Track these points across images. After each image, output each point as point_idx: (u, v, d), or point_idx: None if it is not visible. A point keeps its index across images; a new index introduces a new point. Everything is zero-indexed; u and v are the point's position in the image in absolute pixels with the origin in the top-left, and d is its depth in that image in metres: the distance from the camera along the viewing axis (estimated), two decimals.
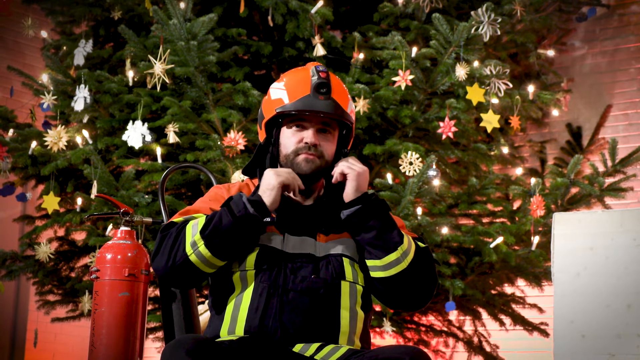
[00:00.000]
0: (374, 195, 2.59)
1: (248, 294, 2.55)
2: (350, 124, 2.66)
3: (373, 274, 2.57)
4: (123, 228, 3.13)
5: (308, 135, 2.62)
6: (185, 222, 2.57)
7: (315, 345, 2.49)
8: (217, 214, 2.52)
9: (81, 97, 4.82)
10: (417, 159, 4.61)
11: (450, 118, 4.68)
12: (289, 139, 2.64)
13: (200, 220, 2.53)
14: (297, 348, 2.48)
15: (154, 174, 4.70)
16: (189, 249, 2.51)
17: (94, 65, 5.15)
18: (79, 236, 5.12)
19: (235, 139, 4.55)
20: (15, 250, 5.15)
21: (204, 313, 3.01)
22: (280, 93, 2.62)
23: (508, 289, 5.34)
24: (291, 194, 2.63)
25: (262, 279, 2.55)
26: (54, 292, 5.20)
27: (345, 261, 2.60)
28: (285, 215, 2.63)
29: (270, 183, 2.54)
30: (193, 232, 2.52)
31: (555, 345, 2.94)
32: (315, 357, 2.47)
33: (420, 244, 2.63)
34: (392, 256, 2.54)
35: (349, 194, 2.58)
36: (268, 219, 2.56)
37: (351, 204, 2.57)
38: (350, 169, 2.59)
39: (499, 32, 4.74)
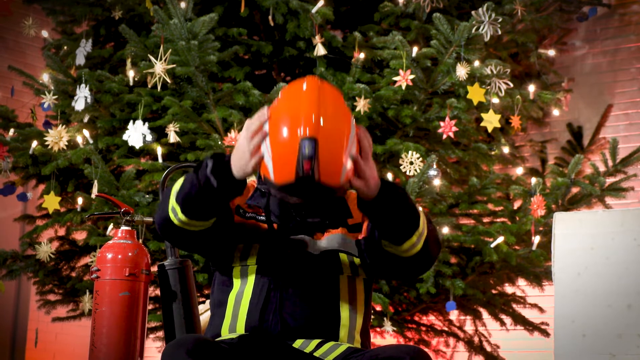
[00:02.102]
0: (389, 186, 2.42)
1: (249, 289, 2.56)
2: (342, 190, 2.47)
3: (387, 249, 2.49)
4: (124, 228, 3.13)
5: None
6: (176, 181, 2.53)
7: (315, 342, 2.50)
8: (186, 179, 2.45)
9: (82, 97, 4.82)
10: (418, 158, 4.61)
11: (451, 118, 4.68)
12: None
13: (179, 182, 2.49)
14: (297, 344, 2.49)
15: (154, 173, 4.70)
16: (171, 215, 2.49)
17: (94, 65, 5.15)
18: (80, 236, 5.12)
19: (236, 139, 4.55)
20: (15, 249, 5.15)
21: (204, 313, 3.01)
22: (267, 155, 2.34)
23: (509, 289, 5.33)
24: None
25: (262, 274, 2.56)
26: (55, 292, 5.20)
27: (343, 256, 2.60)
28: (282, 213, 2.63)
29: (240, 164, 2.37)
30: (173, 196, 2.48)
31: (555, 345, 2.94)
32: (315, 354, 2.48)
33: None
34: (409, 242, 2.47)
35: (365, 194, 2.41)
36: (262, 218, 2.53)
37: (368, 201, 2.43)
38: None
39: (499, 32, 4.74)
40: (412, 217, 2.45)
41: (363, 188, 2.35)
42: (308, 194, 2.33)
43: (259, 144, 2.34)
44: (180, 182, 2.50)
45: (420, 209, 2.52)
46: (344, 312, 2.56)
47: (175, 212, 2.48)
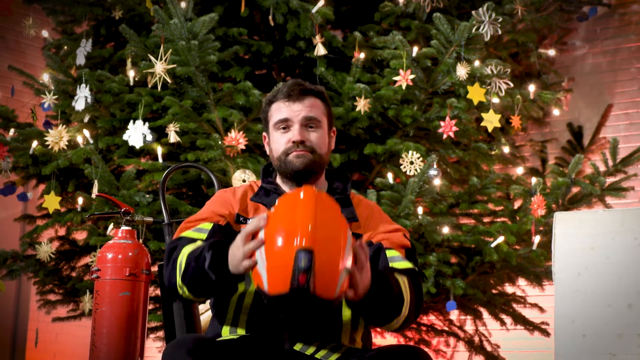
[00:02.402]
0: (376, 286, 2.40)
1: (250, 293, 2.56)
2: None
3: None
4: (124, 227, 3.14)
5: (294, 133, 2.63)
6: (180, 251, 2.53)
7: (316, 344, 2.49)
8: (191, 260, 2.44)
9: (82, 97, 4.82)
10: (418, 158, 4.61)
11: (451, 117, 4.68)
12: (277, 141, 2.66)
13: (184, 257, 2.48)
14: (298, 347, 2.49)
15: (154, 173, 4.70)
16: (179, 288, 2.51)
17: (94, 65, 5.15)
18: (80, 236, 5.12)
19: (236, 139, 4.55)
20: (16, 249, 5.15)
21: (205, 312, 3.01)
22: (262, 264, 2.27)
23: (509, 289, 5.34)
24: None
25: None
26: (55, 292, 5.20)
27: None
28: None
29: (233, 263, 2.36)
30: (180, 271, 2.49)
31: (556, 345, 2.94)
32: (316, 356, 2.47)
33: (408, 264, 2.59)
34: (388, 326, 2.49)
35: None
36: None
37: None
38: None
39: (499, 32, 4.74)
40: (394, 308, 2.44)
41: (353, 297, 2.31)
42: (302, 306, 2.23)
43: (253, 250, 2.28)
44: (184, 259, 2.48)
45: (407, 292, 2.49)
46: (346, 317, 2.56)
47: (182, 289, 2.50)
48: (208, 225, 2.58)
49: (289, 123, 2.64)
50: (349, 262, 2.26)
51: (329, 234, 2.24)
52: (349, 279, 2.27)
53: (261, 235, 2.28)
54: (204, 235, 2.56)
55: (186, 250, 2.51)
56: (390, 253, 2.60)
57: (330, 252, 2.22)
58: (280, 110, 2.66)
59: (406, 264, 2.59)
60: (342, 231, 2.27)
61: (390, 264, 2.57)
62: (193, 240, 2.56)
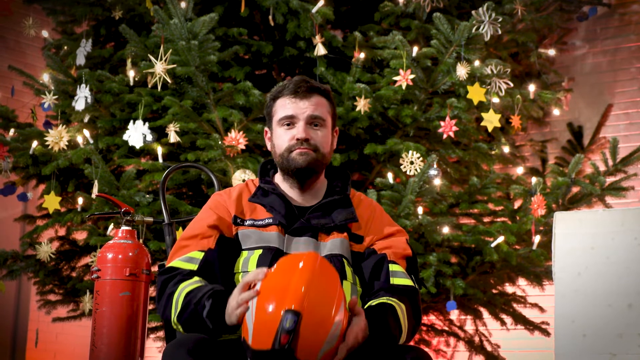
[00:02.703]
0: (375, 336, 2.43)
1: None
2: None
3: None
4: (124, 227, 3.13)
5: (299, 130, 2.63)
6: (175, 289, 2.52)
7: None
8: (188, 307, 2.45)
9: (82, 97, 4.82)
10: (418, 158, 4.61)
11: (451, 117, 4.68)
12: (281, 137, 2.65)
13: (181, 298, 2.48)
14: None
15: (154, 173, 4.70)
16: (173, 324, 2.53)
17: (94, 65, 5.15)
18: (80, 236, 5.11)
19: (236, 139, 4.55)
20: (16, 249, 5.15)
21: None
22: (251, 317, 2.31)
23: (509, 289, 5.33)
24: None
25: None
26: (55, 292, 5.20)
27: (345, 262, 2.60)
28: (287, 216, 2.63)
29: (228, 315, 2.39)
30: (175, 310, 2.49)
31: (556, 344, 2.94)
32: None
33: (408, 282, 2.61)
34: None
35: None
36: (261, 222, 2.56)
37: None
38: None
39: (499, 32, 4.74)
40: (393, 342, 2.47)
41: None
42: None
43: (247, 300, 2.31)
44: (181, 300, 2.48)
45: (406, 322, 2.52)
46: None
47: (177, 326, 2.52)
48: (199, 255, 2.58)
49: (294, 120, 2.64)
50: (336, 334, 2.28)
51: (320, 303, 2.26)
52: (334, 350, 2.29)
53: (257, 286, 2.31)
54: (194, 266, 2.56)
55: (183, 288, 2.51)
56: (392, 267, 2.61)
57: (317, 321, 2.25)
58: (285, 106, 2.65)
59: (407, 281, 2.61)
60: (335, 303, 2.29)
61: (392, 280, 2.60)
62: (185, 272, 2.56)
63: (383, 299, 2.53)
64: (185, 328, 2.48)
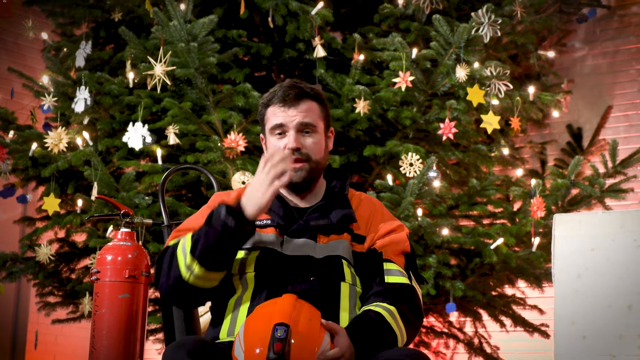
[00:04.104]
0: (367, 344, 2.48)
1: (248, 296, 2.56)
2: None
3: None
4: (123, 229, 3.13)
5: (289, 140, 2.62)
6: (177, 245, 2.56)
7: None
8: (201, 231, 2.49)
9: (81, 99, 4.82)
10: (418, 160, 4.61)
11: (451, 119, 4.68)
12: (274, 147, 2.66)
13: (188, 241, 2.52)
14: None
15: (154, 175, 4.70)
16: (185, 273, 2.51)
17: (94, 67, 5.14)
18: (80, 238, 5.11)
19: (236, 141, 4.55)
20: (15, 251, 5.15)
21: (204, 315, 3.01)
22: (240, 351, 2.38)
23: (508, 290, 5.33)
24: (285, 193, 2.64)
25: (262, 281, 2.55)
26: (55, 294, 5.20)
27: (345, 263, 2.60)
28: (285, 217, 2.63)
29: (256, 196, 2.48)
30: (184, 254, 2.51)
31: (556, 346, 2.94)
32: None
33: (403, 279, 2.62)
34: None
35: None
36: (259, 223, 2.57)
37: None
38: None
39: (499, 33, 4.74)
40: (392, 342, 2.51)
41: None
42: None
43: (278, 174, 2.44)
44: (188, 239, 2.51)
45: (402, 327, 2.54)
46: (344, 320, 2.55)
47: (191, 270, 2.50)
48: (189, 235, 2.59)
49: (285, 129, 2.64)
50: (326, 350, 2.36)
51: (306, 319, 2.37)
52: None
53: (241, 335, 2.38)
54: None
55: (183, 239, 2.53)
56: (387, 266, 2.61)
57: (307, 333, 2.34)
58: (275, 114, 2.66)
59: (402, 279, 2.60)
60: (320, 327, 2.38)
61: (386, 279, 2.59)
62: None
63: (371, 306, 2.55)
64: (203, 258, 2.48)
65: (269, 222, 2.62)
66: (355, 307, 2.58)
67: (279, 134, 2.64)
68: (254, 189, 2.48)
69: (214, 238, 2.46)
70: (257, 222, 2.60)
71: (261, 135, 2.75)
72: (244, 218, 2.46)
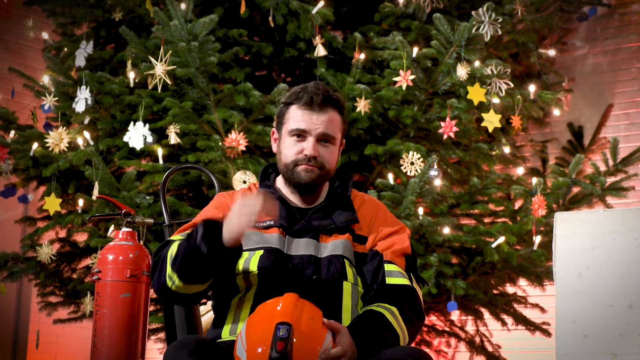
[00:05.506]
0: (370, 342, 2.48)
1: (250, 295, 2.56)
2: None
3: None
4: (124, 229, 3.13)
5: (308, 147, 2.61)
6: (168, 249, 2.56)
7: None
8: (181, 246, 2.48)
9: (82, 99, 4.82)
10: (419, 159, 4.61)
11: (452, 118, 4.68)
12: (289, 148, 2.64)
13: (174, 249, 2.51)
14: None
15: (155, 175, 4.70)
16: (168, 281, 2.52)
17: (95, 67, 5.14)
18: (81, 237, 5.11)
19: (237, 140, 4.55)
20: (17, 251, 5.15)
21: (206, 314, 3.01)
22: (242, 350, 2.39)
23: (510, 289, 5.33)
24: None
25: (264, 280, 2.56)
26: (56, 294, 5.20)
27: (347, 262, 2.60)
28: (288, 218, 2.63)
29: (230, 232, 2.43)
30: (169, 263, 2.51)
31: (557, 345, 2.93)
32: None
33: (404, 280, 2.62)
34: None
35: None
36: (262, 224, 2.58)
37: None
38: None
39: (499, 32, 4.74)
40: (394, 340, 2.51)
41: None
42: None
43: (251, 217, 2.39)
44: (174, 248, 2.51)
45: (403, 328, 2.55)
46: (346, 320, 2.55)
47: (172, 280, 2.50)
48: (178, 241, 2.59)
49: (305, 134, 2.62)
50: (329, 349, 2.36)
51: (308, 318, 2.37)
52: None
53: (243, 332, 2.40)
54: None
55: (175, 243, 2.53)
56: (388, 267, 2.61)
57: (309, 332, 2.35)
58: (298, 118, 2.62)
59: (402, 280, 2.60)
60: (322, 325, 2.39)
61: (387, 280, 2.60)
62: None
63: (372, 306, 2.55)
64: (180, 272, 2.46)
65: (272, 222, 2.62)
66: (357, 306, 2.59)
67: (298, 136, 2.63)
68: (227, 224, 2.42)
69: (191, 258, 2.45)
70: (260, 224, 2.60)
71: (273, 129, 2.72)
72: (219, 244, 2.42)
